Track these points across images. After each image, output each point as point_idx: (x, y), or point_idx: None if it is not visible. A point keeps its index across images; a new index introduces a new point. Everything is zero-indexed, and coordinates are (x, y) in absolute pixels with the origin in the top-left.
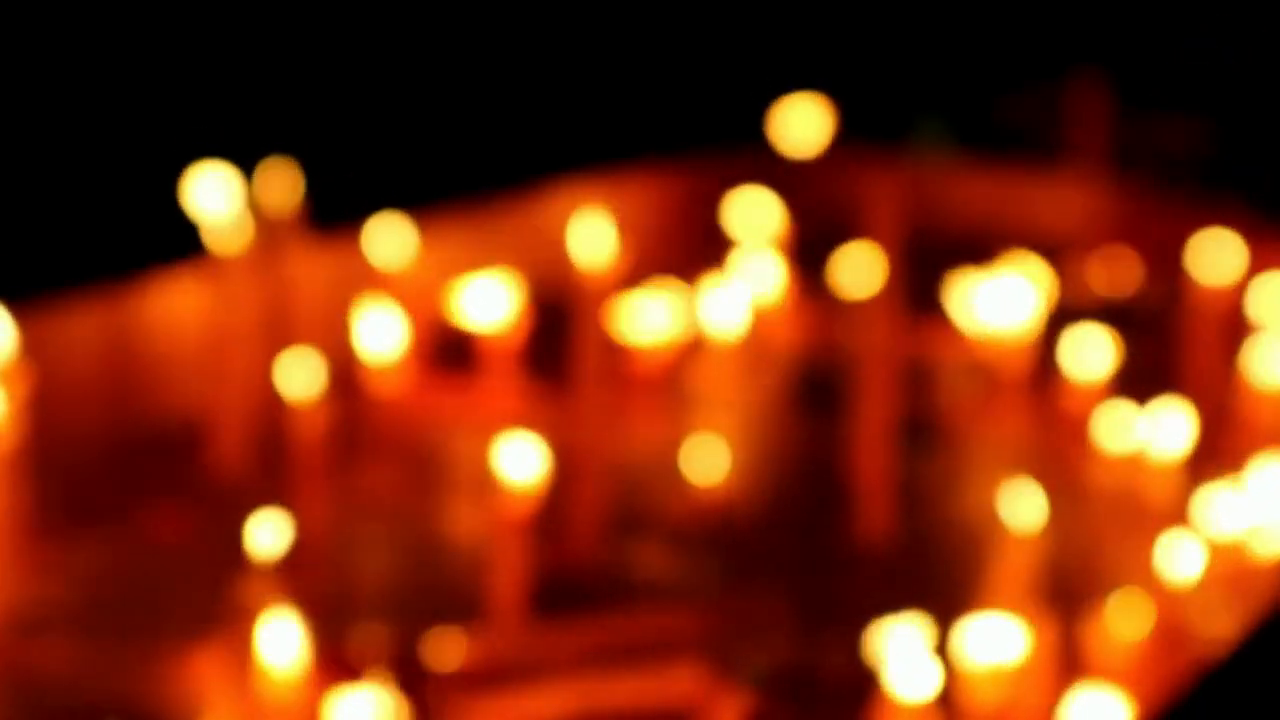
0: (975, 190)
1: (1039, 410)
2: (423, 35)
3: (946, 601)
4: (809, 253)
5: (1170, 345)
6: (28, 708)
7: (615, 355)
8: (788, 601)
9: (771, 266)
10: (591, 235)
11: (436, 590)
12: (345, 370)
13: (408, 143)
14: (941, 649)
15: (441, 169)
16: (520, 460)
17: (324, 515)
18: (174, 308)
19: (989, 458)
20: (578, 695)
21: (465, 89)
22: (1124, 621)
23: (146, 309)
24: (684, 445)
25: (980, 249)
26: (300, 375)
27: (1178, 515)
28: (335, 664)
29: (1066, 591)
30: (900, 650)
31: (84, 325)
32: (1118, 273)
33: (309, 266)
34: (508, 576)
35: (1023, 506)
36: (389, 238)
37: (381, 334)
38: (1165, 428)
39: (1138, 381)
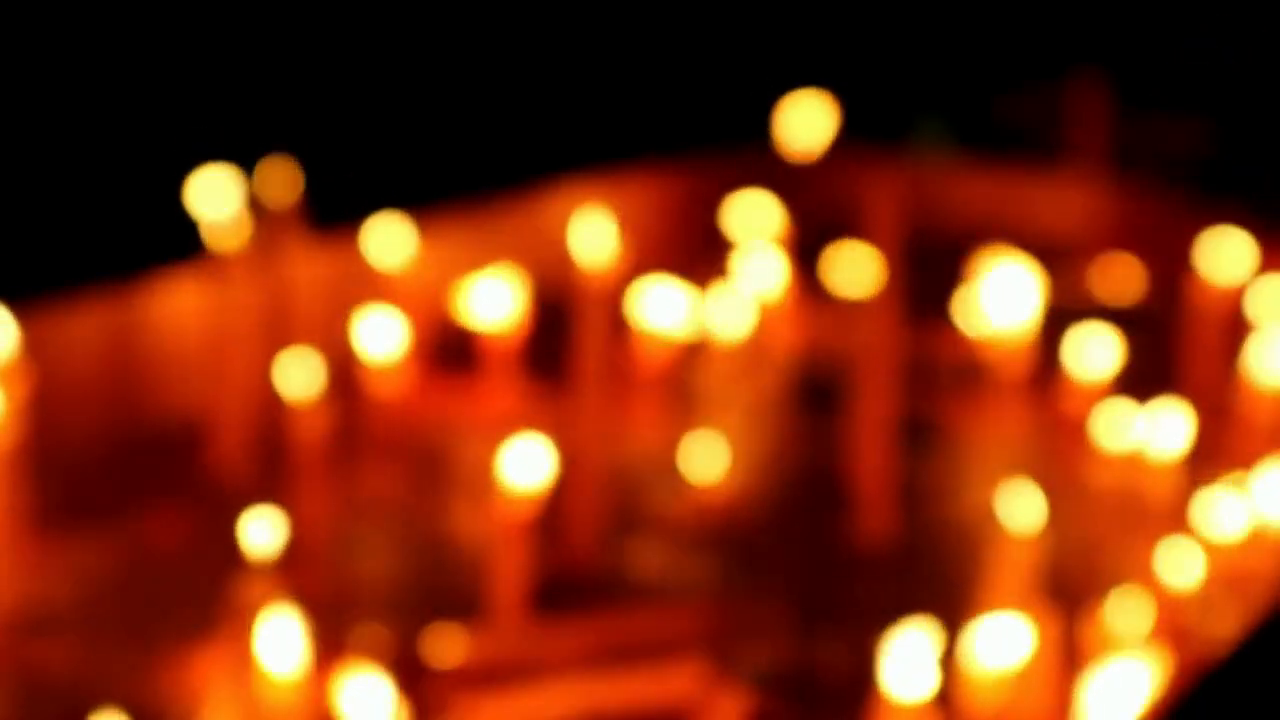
0: (975, 190)
1: (1039, 410)
2: (422, 35)
3: (946, 601)
4: (809, 253)
5: (1170, 345)
6: (28, 707)
7: (616, 356)
8: (788, 601)
9: (772, 267)
10: (592, 235)
11: (437, 589)
12: (345, 370)
13: (408, 142)
14: (941, 649)
15: (441, 168)
16: (522, 461)
17: (324, 515)
18: (174, 308)
19: (989, 458)
20: (578, 694)
21: (465, 89)
22: (1124, 621)
23: (147, 309)
24: (684, 445)
25: (980, 249)
26: (300, 375)
27: (1177, 515)
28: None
29: (1066, 592)
30: (900, 650)
31: (84, 325)
32: (1117, 273)
33: (309, 266)
34: (508, 575)
35: (1022, 506)
36: (389, 237)
37: (381, 334)
38: (1165, 428)
39: (1138, 381)
